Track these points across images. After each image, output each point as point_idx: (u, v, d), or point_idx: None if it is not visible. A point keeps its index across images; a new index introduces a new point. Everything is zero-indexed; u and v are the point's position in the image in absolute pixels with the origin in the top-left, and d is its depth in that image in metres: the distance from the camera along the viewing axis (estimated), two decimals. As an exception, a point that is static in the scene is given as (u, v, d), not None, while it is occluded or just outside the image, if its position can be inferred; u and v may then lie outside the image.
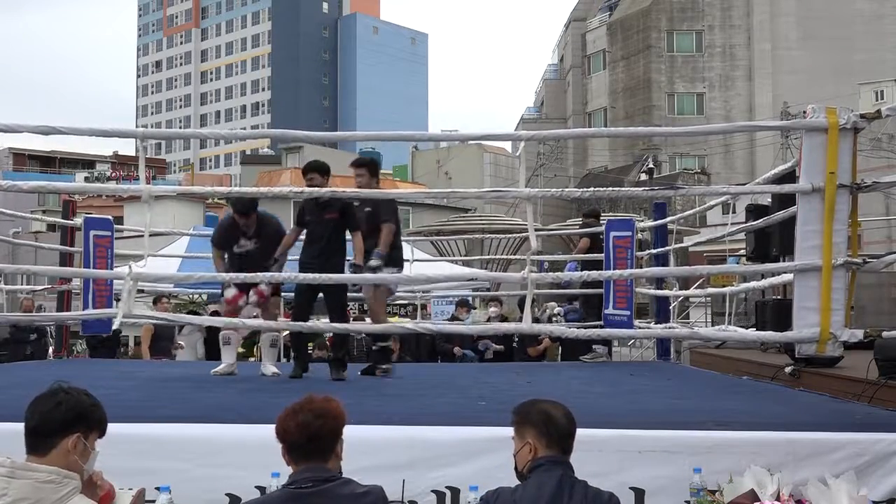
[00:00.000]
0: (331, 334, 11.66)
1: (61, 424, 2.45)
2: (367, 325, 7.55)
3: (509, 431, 2.98)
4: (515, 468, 2.93)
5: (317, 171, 6.37)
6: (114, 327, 6.70)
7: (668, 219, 9.30)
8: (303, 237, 6.63)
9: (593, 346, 8.69)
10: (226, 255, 6.64)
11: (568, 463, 2.82)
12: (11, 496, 2.32)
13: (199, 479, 3.52)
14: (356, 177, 6.52)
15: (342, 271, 6.44)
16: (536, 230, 5.34)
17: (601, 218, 9.64)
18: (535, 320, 9.49)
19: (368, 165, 6.59)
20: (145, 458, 3.52)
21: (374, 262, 6.23)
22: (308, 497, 2.56)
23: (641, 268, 8.44)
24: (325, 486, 2.58)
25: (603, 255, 8.33)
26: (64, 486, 2.39)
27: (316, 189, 5.99)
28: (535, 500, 2.70)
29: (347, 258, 6.60)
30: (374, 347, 6.86)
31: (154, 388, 5.69)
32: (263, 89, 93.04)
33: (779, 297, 7.78)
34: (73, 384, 2.61)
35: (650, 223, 9.08)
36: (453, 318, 10.72)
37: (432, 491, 3.57)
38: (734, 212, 12.02)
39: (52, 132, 5.17)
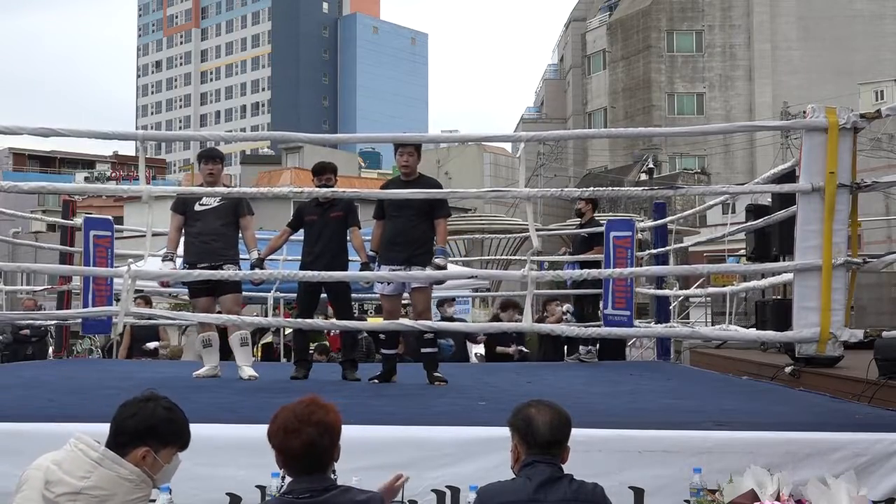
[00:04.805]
0: (330, 335, 11.73)
1: (131, 436, 2.52)
2: (368, 323, 7.55)
3: (508, 431, 2.99)
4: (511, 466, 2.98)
5: (333, 172, 6.46)
6: (118, 329, 6.66)
7: (668, 219, 9.31)
8: (299, 237, 6.61)
9: (580, 348, 8.73)
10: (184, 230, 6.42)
11: (556, 463, 2.84)
12: (93, 482, 2.41)
13: (199, 478, 3.52)
14: (409, 156, 5.94)
15: (346, 270, 6.41)
16: (536, 230, 5.33)
17: (600, 213, 9.63)
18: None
19: (419, 146, 6.19)
20: (145, 457, 3.52)
21: (441, 261, 5.83)
22: None
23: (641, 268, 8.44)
24: (324, 497, 2.51)
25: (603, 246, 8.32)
26: (139, 489, 2.48)
27: (315, 189, 5.99)
28: (523, 488, 2.77)
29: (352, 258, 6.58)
30: (425, 351, 6.18)
31: (154, 388, 5.67)
32: (263, 89, 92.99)
33: (779, 297, 7.79)
34: (161, 393, 2.66)
35: (650, 223, 9.08)
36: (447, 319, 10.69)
37: (432, 490, 3.57)
38: (734, 212, 12.04)
39: (51, 134, 5.16)
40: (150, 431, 2.53)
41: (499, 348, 9.88)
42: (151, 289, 9.79)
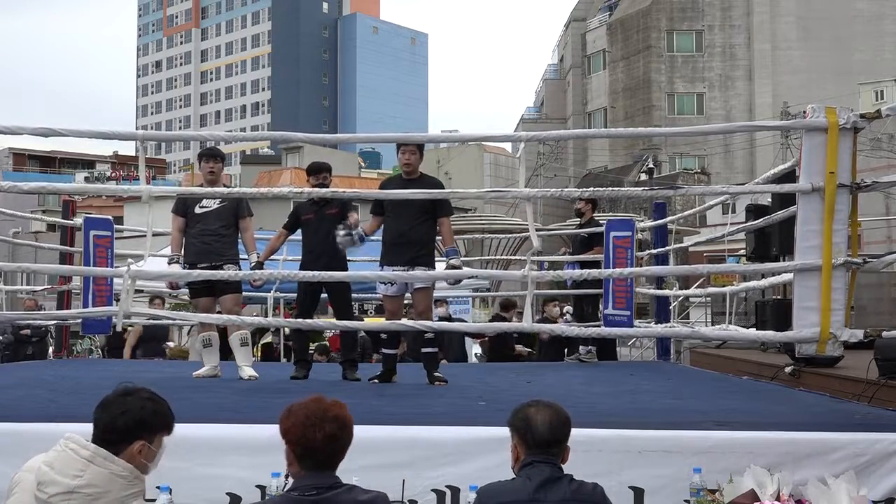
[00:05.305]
0: (330, 335, 11.73)
1: (124, 434, 2.51)
2: (368, 323, 7.54)
3: (508, 431, 2.99)
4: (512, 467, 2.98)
5: (329, 171, 6.49)
6: (118, 329, 6.66)
7: (668, 219, 9.31)
8: (297, 237, 6.62)
9: (580, 348, 8.73)
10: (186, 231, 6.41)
11: (555, 463, 2.84)
12: (86, 480, 2.41)
13: (199, 478, 3.52)
14: (410, 154, 5.93)
15: (345, 269, 6.42)
16: (536, 230, 5.33)
17: (600, 213, 9.63)
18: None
19: (420, 147, 6.18)
20: (145, 457, 3.52)
21: (456, 261, 5.78)
22: None
23: (641, 268, 8.44)
24: (328, 494, 2.53)
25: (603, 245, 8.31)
26: (133, 485, 2.48)
27: (315, 189, 5.99)
28: (523, 488, 2.77)
29: (349, 259, 6.58)
30: (425, 350, 6.18)
31: (154, 388, 5.68)
32: (263, 89, 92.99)
33: (779, 297, 7.79)
34: (137, 385, 2.67)
35: (650, 223, 9.08)
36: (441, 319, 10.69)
37: (432, 490, 3.57)
38: (734, 212, 12.04)
39: (51, 134, 5.16)
40: (141, 425, 2.54)
41: (517, 347, 9.88)
42: (153, 288, 9.81)
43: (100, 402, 2.58)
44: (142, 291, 9.39)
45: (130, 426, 2.52)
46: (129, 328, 9.86)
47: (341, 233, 5.91)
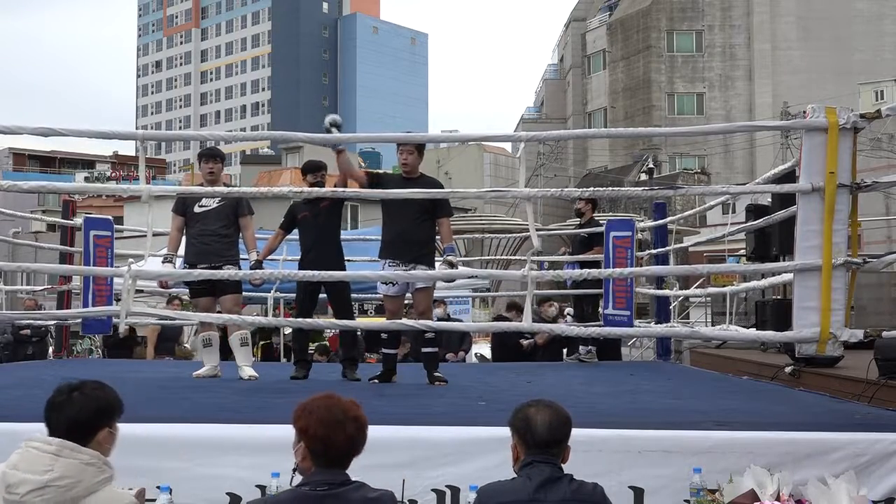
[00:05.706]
0: (330, 335, 11.73)
1: (89, 427, 2.57)
2: (368, 322, 7.54)
3: (508, 431, 2.99)
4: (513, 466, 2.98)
5: (325, 169, 6.51)
6: (120, 329, 6.66)
7: (668, 219, 9.31)
8: (294, 237, 6.61)
9: (580, 348, 8.72)
10: (185, 232, 6.43)
11: (556, 463, 2.84)
12: (57, 472, 2.44)
13: (199, 478, 3.53)
14: (408, 153, 5.98)
15: (343, 267, 6.42)
16: (536, 230, 5.33)
17: (600, 213, 9.60)
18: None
19: (420, 147, 6.21)
20: (145, 457, 3.52)
21: (453, 258, 5.80)
22: (321, 500, 2.53)
23: (641, 268, 8.43)
24: (338, 490, 2.55)
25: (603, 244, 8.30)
26: (103, 471, 2.53)
27: (316, 189, 5.99)
28: (523, 488, 2.77)
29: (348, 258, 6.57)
30: (425, 350, 6.19)
31: (154, 388, 5.69)
32: (263, 89, 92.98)
33: (779, 297, 7.79)
34: (79, 381, 2.69)
35: (650, 223, 9.08)
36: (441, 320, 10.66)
37: (432, 490, 3.57)
38: (734, 212, 12.02)
39: (51, 134, 5.16)
40: (102, 414, 2.60)
41: (522, 343, 9.79)
42: (150, 289, 9.81)
43: (48, 404, 2.61)
44: (142, 291, 9.39)
45: (94, 417, 2.58)
46: (124, 328, 9.85)
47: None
